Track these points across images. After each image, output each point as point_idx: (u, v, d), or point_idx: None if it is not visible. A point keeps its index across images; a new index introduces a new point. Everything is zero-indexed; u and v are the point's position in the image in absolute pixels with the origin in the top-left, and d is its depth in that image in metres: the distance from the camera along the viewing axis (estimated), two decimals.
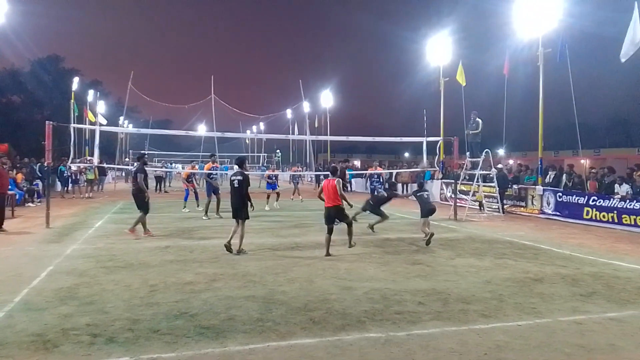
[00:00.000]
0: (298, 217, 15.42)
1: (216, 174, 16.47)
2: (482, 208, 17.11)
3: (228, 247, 9.02)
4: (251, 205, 9.24)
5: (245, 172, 9.40)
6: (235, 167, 10.40)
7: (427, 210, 10.85)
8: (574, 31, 17.46)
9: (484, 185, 16.94)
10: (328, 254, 8.90)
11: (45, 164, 14.53)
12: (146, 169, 11.86)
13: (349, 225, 9.32)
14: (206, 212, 14.81)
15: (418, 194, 11.35)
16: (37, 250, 9.27)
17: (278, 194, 18.42)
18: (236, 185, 9.09)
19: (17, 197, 16.68)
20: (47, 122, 13.08)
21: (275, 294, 6.33)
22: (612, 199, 13.54)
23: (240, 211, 9.11)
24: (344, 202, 9.15)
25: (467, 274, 7.62)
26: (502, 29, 20.02)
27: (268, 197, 18.17)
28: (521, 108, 30.47)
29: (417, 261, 8.59)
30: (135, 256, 8.75)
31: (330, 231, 9.04)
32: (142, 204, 11.10)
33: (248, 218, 9.25)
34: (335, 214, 9.11)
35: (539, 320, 5.47)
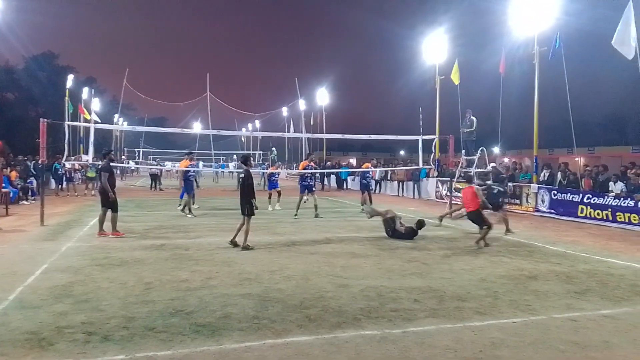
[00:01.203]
0: (293, 216, 15.40)
1: (194, 171, 16.33)
2: None
3: (234, 243, 9.38)
4: (254, 205, 9.37)
5: (249, 170, 9.70)
6: (242, 164, 10.70)
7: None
8: (570, 29, 17.53)
9: (481, 184, 16.96)
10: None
11: (40, 162, 14.47)
12: (112, 166, 11.33)
13: (488, 228, 9.78)
14: (190, 210, 14.80)
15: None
16: (31, 248, 9.23)
17: (279, 193, 17.61)
18: (241, 182, 9.74)
19: (11, 194, 16.58)
20: (41, 119, 13.01)
21: (271, 292, 6.33)
22: (606, 197, 13.61)
23: (244, 207, 9.39)
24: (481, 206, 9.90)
25: (462, 272, 7.65)
26: (498, 27, 20.10)
27: (270, 196, 17.44)
28: (517, 106, 30.50)
29: (412, 259, 8.61)
30: (130, 254, 8.73)
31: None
32: (106, 203, 10.73)
33: (253, 214, 9.43)
34: (474, 219, 9.90)
35: (533, 317, 5.50)
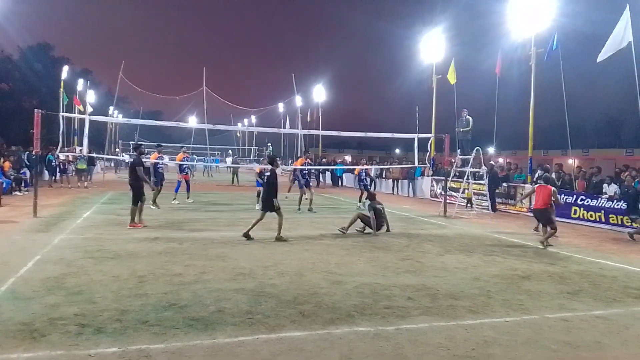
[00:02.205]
0: (288, 212, 15.40)
1: (163, 164, 16.69)
2: (470, 205, 17.21)
3: (247, 236, 9.83)
4: (276, 204, 9.87)
5: (275, 170, 10.31)
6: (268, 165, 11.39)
7: None
8: (567, 31, 17.59)
9: (473, 183, 17.03)
10: None
11: (34, 153, 14.38)
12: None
13: (554, 229, 10.17)
14: (154, 202, 14.76)
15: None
16: (24, 240, 9.17)
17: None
18: (266, 180, 10.50)
19: (4, 185, 16.47)
20: (35, 110, 12.92)
21: (265, 287, 6.32)
22: (600, 199, 13.68)
23: (266, 202, 10.01)
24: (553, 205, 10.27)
25: (456, 270, 7.67)
26: (496, 28, 20.10)
27: (258, 194, 16.47)
28: (512, 107, 30.67)
29: (406, 257, 8.63)
30: (124, 247, 8.70)
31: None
32: (138, 196, 11.21)
33: (271, 210, 9.91)
34: (541, 215, 10.40)
35: (526, 316, 5.52)
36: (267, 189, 10.16)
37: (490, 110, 21.43)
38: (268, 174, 10.50)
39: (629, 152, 48.49)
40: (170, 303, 5.55)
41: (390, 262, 8.12)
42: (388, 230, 11.45)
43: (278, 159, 11.76)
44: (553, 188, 10.43)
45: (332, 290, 6.27)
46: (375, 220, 11.20)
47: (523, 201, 15.12)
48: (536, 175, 14.97)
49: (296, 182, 16.59)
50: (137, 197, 11.21)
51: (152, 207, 14.36)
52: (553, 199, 10.19)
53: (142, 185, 11.36)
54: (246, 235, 9.84)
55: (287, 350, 4.38)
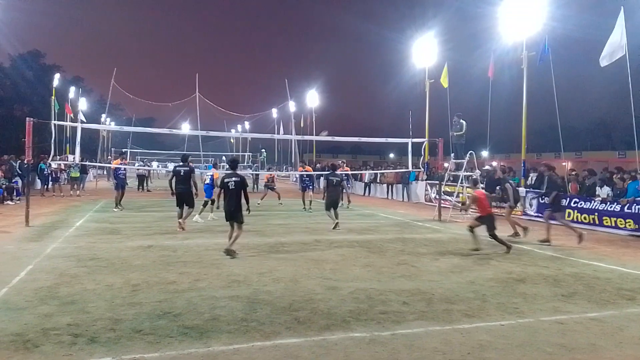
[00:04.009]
0: (282, 218, 15.39)
1: (124, 169, 17.66)
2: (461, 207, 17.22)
3: (229, 252, 8.68)
4: (248, 208, 9.20)
5: (241, 174, 9.33)
6: (219, 168, 10.60)
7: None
8: (558, 35, 17.80)
9: (467, 187, 17.06)
10: None
11: (25, 161, 14.29)
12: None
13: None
14: (116, 205, 16.28)
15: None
16: (16, 249, 9.09)
17: (212, 202, 15.79)
18: (232, 187, 8.81)
19: None
20: (27, 118, 12.85)
21: (259, 294, 6.30)
22: (593, 201, 13.75)
23: (237, 214, 8.88)
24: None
25: (451, 274, 7.68)
26: (487, 32, 20.30)
27: (205, 204, 15.87)
28: (505, 110, 30.84)
29: (401, 261, 8.63)
30: (117, 255, 8.64)
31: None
32: (192, 201, 11.97)
33: (243, 222, 8.99)
34: (489, 220, 9.72)
35: (521, 320, 5.53)
36: (235, 197, 8.86)
37: (484, 114, 21.58)
38: (237, 179, 8.93)
39: (621, 154, 48.82)
40: (165, 311, 5.51)
41: (385, 267, 8.11)
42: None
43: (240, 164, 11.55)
44: (487, 193, 10.19)
45: (328, 296, 6.25)
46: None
47: (468, 210, 13.30)
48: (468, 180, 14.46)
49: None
50: (192, 203, 11.93)
51: (115, 209, 15.87)
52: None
53: (192, 191, 11.84)
54: (227, 251, 8.75)
55: (283, 357, 4.36)
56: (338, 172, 17.31)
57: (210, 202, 14.04)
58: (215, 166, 19.94)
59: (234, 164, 9.81)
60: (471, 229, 9.78)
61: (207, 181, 14.41)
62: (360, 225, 13.60)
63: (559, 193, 11.41)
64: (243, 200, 8.98)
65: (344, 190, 17.21)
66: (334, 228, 12.23)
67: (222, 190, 9.02)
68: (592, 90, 56.09)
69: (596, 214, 13.56)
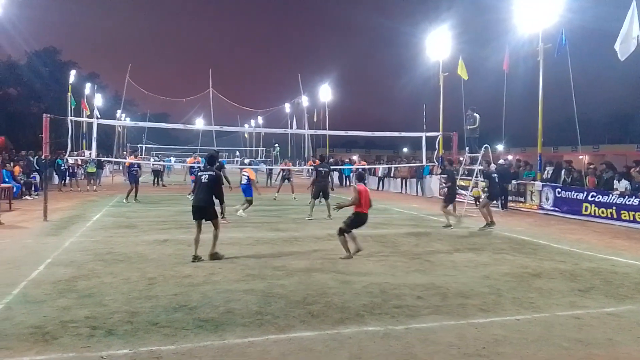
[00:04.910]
0: (296, 213, 15.42)
1: (137, 166, 18.22)
2: (478, 203, 17.10)
3: (197, 258, 7.85)
4: (222, 213, 8.42)
5: (217, 171, 8.52)
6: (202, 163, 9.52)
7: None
8: (574, 26, 17.46)
9: (482, 181, 16.92)
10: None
11: (43, 157, 14.50)
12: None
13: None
14: (126, 198, 17.07)
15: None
16: (35, 243, 9.25)
17: (250, 202, 15.39)
18: (204, 180, 8.03)
19: (14, 190, 16.61)
20: (44, 114, 13.01)
21: (274, 288, 6.33)
22: (611, 195, 13.56)
23: (208, 210, 8.04)
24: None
25: (465, 269, 7.64)
26: (502, 24, 20.00)
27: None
28: (521, 103, 30.44)
29: (415, 256, 8.60)
30: (134, 249, 8.74)
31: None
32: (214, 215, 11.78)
33: (217, 217, 8.16)
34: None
35: (537, 314, 5.48)
36: (207, 192, 8.08)
37: (499, 107, 21.33)
38: (211, 174, 8.19)
39: (639, 147, 47.96)
40: (180, 304, 5.57)
41: (399, 262, 8.10)
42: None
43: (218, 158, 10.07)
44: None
45: (341, 290, 6.26)
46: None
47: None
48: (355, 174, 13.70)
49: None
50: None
51: (134, 201, 16.81)
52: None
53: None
54: (195, 257, 7.89)
55: (297, 350, 4.38)
56: (338, 164, 17.73)
57: (249, 202, 13.79)
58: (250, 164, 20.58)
59: (211, 160, 8.72)
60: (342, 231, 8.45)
61: (244, 181, 13.85)
62: (374, 220, 13.54)
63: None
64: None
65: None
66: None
67: (195, 185, 8.26)
68: (610, 82, 55.13)
69: (614, 207, 13.36)
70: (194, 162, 19.62)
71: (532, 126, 20.03)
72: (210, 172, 8.20)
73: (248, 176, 13.78)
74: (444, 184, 13.98)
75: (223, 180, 11.59)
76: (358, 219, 8.40)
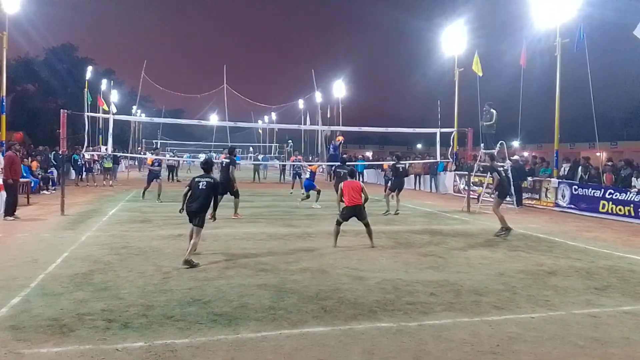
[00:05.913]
0: (309, 209, 15.43)
1: (159, 164, 18.08)
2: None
3: (187, 263, 7.32)
4: (213, 214, 8.15)
5: (215, 178, 8.23)
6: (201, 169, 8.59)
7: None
8: (593, 20, 17.17)
9: (489, 177, 16.75)
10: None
11: (60, 152, 14.71)
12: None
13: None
14: (158, 197, 16.34)
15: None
16: (52, 237, 9.40)
17: (319, 192, 15.43)
18: (202, 187, 7.74)
19: (32, 184, 16.89)
20: (61, 110, 13.20)
21: (287, 283, 6.35)
22: (629, 192, 13.34)
23: (199, 215, 7.71)
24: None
25: (479, 266, 7.58)
26: (519, 19, 19.76)
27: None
28: (537, 99, 30.08)
29: (429, 252, 8.56)
30: (149, 244, 8.84)
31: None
32: (233, 191, 12.37)
33: (202, 226, 7.70)
34: (354, 212, 8.97)
35: (552, 312, 5.42)
36: (203, 198, 7.71)
37: (515, 103, 21.06)
38: (210, 180, 7.87)
39: None
40: (195, 299, 5.62)
41: (412, 258, 8.07)
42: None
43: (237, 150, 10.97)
44: (361, 183, 9.41)
45: (354, 286, 6.26)
46: None
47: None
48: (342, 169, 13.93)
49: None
50: (235, 192, 12.36)
51: (157, 201, 16.05)
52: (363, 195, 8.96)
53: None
54: (188, 263, 7.27)
55: (310, 345, 4.40)
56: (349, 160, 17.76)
57: (317, 193, 15.10)
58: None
59: (207, 166, 8.28)
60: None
61: (308, 176, 15.47)
62: (388, 216, 13.53)
63: None
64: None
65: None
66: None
67: (189, 191, 7.85)
68: (628, 78, 54.06)
69: (632, 205, 13.15)
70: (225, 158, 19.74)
71: (549, 122, 19.80)
72: (208, 179, 7.93)
73: (311, 170, 14.83)
74: (490, 185, 12.60)
75: (233, 177, 12.33)
76: (344, 212, 9.11)
